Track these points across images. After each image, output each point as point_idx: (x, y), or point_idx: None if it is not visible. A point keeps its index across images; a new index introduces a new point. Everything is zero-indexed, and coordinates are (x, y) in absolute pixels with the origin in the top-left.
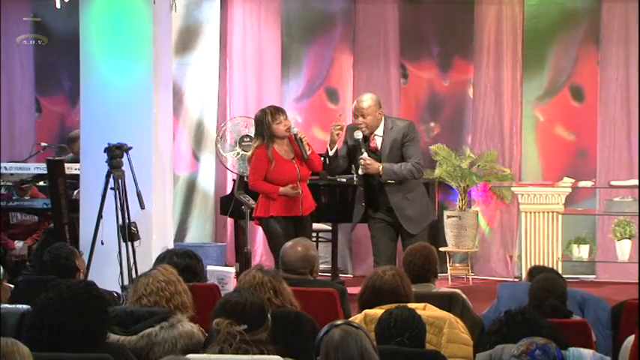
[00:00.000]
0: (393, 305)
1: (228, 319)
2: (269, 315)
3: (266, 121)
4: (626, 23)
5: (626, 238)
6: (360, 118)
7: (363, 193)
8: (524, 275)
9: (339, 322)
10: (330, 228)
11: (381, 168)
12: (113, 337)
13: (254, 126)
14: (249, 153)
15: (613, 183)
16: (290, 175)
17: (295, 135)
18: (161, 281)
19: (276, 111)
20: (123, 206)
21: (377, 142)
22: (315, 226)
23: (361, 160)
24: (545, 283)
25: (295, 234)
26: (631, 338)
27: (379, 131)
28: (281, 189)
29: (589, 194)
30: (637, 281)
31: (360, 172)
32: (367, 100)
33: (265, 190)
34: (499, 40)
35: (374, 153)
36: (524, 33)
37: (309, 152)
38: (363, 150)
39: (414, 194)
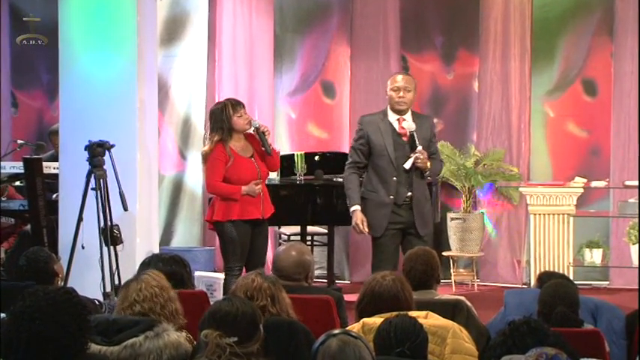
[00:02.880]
0: (393, 314)
1: (217, 331)
2: (261, 326)
3: (227, 113)
4: None
5: None
6: (403, 92)
7: (383, 188)
8: (533, 281)
9: (336, 331)
10: (325, 231)
11: (428, 164)
12: (95, 347)
13: (210, 120)
14: (203, 150)
15: (627, 183)
16: (250, 173)
17: (257, 129)
18: (154, 287)
19: (237, 103)
20: (105, 208)
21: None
22: (311, 229)
23: (418, 154)
24: (555, 290)
25: (252, 240)
26: None
27: (407, 117)
28: (244, 188)
29: (602, 195)
30: None
31: (407, 166)
32: (411, 76)
33: (226, 192)
34: (506, 30)
35: (404, 140)
36: (533, 23)
37: (271, 148)
38: (418, 143)
39: (427, 193)
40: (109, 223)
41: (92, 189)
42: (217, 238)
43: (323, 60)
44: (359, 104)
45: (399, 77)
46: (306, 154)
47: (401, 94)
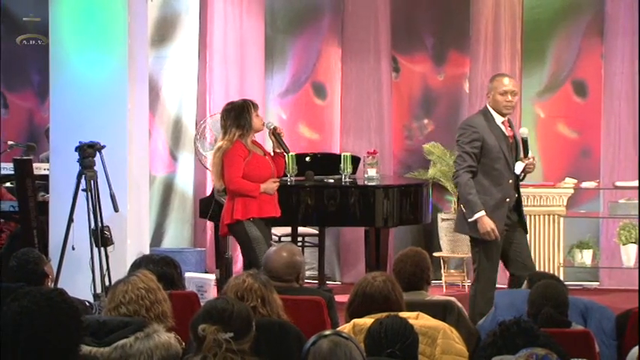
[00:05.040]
0: (384, 314)
1: (214, 326)
2: (254, 324)
3: (249, 111)
4: (631, 14)
5: (632, 242)
6: (511, 97)
7: (498, 190)
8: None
9: (327, 332)
10: (316, 232)
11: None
12: (85, 348)
13: (229, 117)
14: (221, 145)
15: (618, 184)
16: (267, 171)
17: (274, 129)
18: (141, 289)
19: (255, 104)
20: (95, 209)
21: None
22: (301, 230)
23: (532, 160)
24: (544, 291)
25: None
26: (636, 349)
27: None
28: (262, 185)
29: (592, 196)
30: None
31: (518, 170)
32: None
33: (247, 188)
34: (497, 31)
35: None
36: (523, 24)
37: (279, 150)
38: (529, 149)
39: None
40: (99, 224)
41: (83, 190)
42: (236, 242)
43: (314, 61)
44: (350, 105)
45: (507, 80)
46: (296, 155)
47: (509, 97)
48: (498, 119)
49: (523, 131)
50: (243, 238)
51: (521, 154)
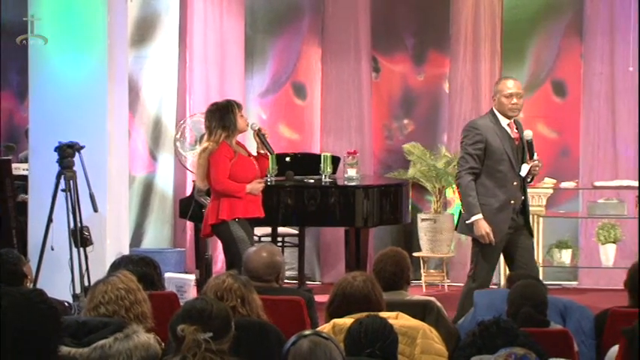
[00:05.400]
0: (364, 314)
1: (193, 326)
2: (233, 324)
3: (233, 112)
4: (610, 14)
5: (611, 242)
6: (516, 99)
7: (502, 192)
8: (503, 282)
9: (307, 332)
10: (296, 232)
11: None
12: (64, 349)
13: (214, 118)
14: (207, 147)
15: (597, 184)
16: (252, 172)
17: (259, 130)
18: (120, 289)
19: (239, 104)
20: (74, 209)
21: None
22: (281, 230)
23: (537, 162)
24: (523, 290)
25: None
26: (615, 348)
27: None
28: (248, 186)
29: (571, 196)
30: (622, 288)
31: (523, 172)
32: (518, 81)
33: (233, 189)
34: (477, 31)
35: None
36: (503, 24)
37: (263, 151)
38: (534, 151)
39: None
40: (78, 224)
41: (62, 190)
42: (221, 242)
43: (294, 61)
44: (330, 105)
45: (511, 83)
46: (277, 155)
47: (514, 100)
48: (504, 121)
49: (527, 133)
50: (227, 238)
51: (527, 157)
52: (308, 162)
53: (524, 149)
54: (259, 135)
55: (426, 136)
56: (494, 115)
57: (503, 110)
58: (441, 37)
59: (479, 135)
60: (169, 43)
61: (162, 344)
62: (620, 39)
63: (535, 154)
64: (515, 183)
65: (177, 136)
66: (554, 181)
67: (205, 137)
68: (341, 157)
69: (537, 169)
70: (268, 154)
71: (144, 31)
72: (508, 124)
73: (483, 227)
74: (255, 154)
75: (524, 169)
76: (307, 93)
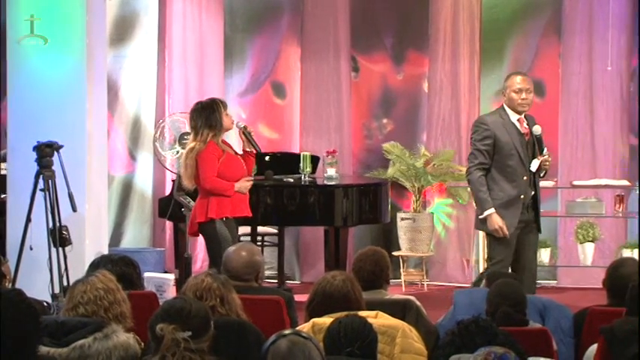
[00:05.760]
0: (343, 313)
1: (172, 325)
2: (212, 323)
3: (219, 110)
4: (589, 14)
5: (589, 241)
6: (525, 94)
7: (512, 187)
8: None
9: (287, 331)
10: (276, 231)
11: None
12: (43, 349)
13: (199, 117)
14: (194, 146)
15: (575, 183)
16: (240, 170)
17: (244, 128)
18: (99, 289)
19: (224, 102)
20: (53, 209)
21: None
22: (261, 229)
23: (547, 157)
24: (502, 290)
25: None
26: (594, 347)
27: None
28: (236, 184)
29: (550, 195)
30: (600, 286)
31: (534, 168)
32: (528, 76)
33: (222, 188)
34: (456, 31)
35: (527, 141)
36: (482, 24)
37: (249, 149)
38: (544, 147)
39: None
40: (57, 224)
41: (41, 190)
42: (205, 241)
43: (273, 60)
44: (309, 105)
45: (519, 78)
46: (256, 154)
47: (523, 95)
48: (513, 117)
49: (536, 129)
50: (212, 236)
51: (537, 152)
52: (287, 161)
53: (534, 144)
54: (245, 133)
55: (406, 135)
56: (504, 110)
57: (513, 106)
58: (420, 36)
59: (487, 131)
60: (148, 42)
61: (142, 344)
62: (599, 38)
63: (545, 149)
64: (525, 178)
65: (157, 136)
66: None
67: (191, 137)
68: (320, 157)
69: (547, 163)
70: (254, 152)
71: (123, 30)
72: (518, 120)
73: (496, 221)
74: (240, 152)
75: (535, 165)
76: (286, 92)
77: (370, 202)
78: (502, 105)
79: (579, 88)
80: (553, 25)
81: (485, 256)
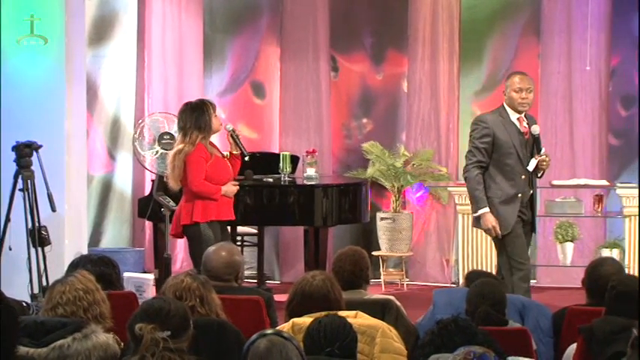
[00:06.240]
0: (323, 313)
1: (151, 325)
2: (191, 322)
3: (208, 112)
4: (567, 14)
5: (569, 240)
6: (525, 93)
7: (510, 185)
8: (461, 280)
9: (268, 331)
10: (255, 231)
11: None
12: (22, 349)
13: (188, 118)
14: (182, 148)
15: (554, 182)
16: (227, 173)
17: (232, 131)
18: (79, 289)
19: (213, 104)
20: (32, 209)
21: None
22: (240, 229)
23: (544, 157)
24: (482, 289)
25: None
26: (573, 346)
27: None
28: (223, 188)
29: None
30: (579, 286)
31: (531, 167)
32: (529, 76)
33: (209, 191)
34: (435, 31)
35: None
36: (461, 24)
37: (237, 152)
38: (542, 147)
39: None
40: (36, 224)
41: (20, 190)
42: (188, 243)
43: (253, 60)
44: (289, 104)
45: (519, 78)
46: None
47: (523, 94)
48: (513, 116)
49: (534, 128)
50: (197, 240)
51: (535, 152)
52: (267, 161)
53: (533, 144)
54: (233, 136)
55: (385, 135)
56: (504, 109)
57: (514, 105)
58: (400, 36)
59: (486, 129)
60: (128, 42)
61: (122, 344)
62: (577, 38)
63: (543, 149)
64: (523, 177)
65: (136, 136)
66: None
67: (179, 138)
68: (300, 157)
69: (545, 163)
70: (242, 155)
71: (102, 30)
72: (518, 119)
73: (489, 220)
74: (229, 154)
75: (532, 164)
76: (266, 92)
77: (350, 201)
78: (502, 104)
79: (558, 88)
80: (532, 26)
81: (459, 256)
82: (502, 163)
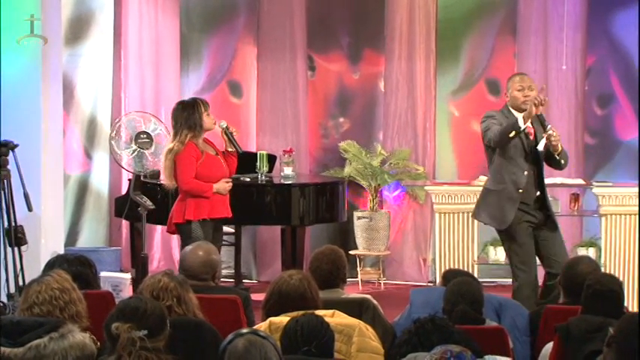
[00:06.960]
0: (300, 313)
1: (127, 324)
2: (168, 322)
3: (199, 111)
4: (543, 13)
5: None
6: (527, 91)
7: (514, 179)
8: (438, 279)
9: (244, 330)
10: (233, 231)
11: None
12: None
13: (179, 117)
14: (172, 147)
15: None
16: (220, 171)
17: (227, 128)
18: (55, 289)
19: (205, 102)
20: (8, 208)
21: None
22: None
23: (551, 132)
24: (458, 288)
25: (213, 240)
26: (550, 345)
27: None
28: (215, 186)
29: None
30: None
31: (540, 147)
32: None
33: (200, 189)
34: (412, 30)
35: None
36: (437, 23)
37: (231, 149)
38: (547, 124)
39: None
40: (13, 223)
41: None
42: (180, 240)
43: (230, 59)
44: (265, 104)
45: (519, 77)
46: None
47: (526, 92)
48: (517, 115)
49: (540, 109)
50: (187, 238)
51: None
52: (244, 160)
53: (536, 144)
54: (227, 133)
55: (362, 134)
56: (508, 110)
57: (517, 104)
58: (376, 35)
59: (496, 119)
60: (104, 41)
61: (98, 343)
62: (554, 38)
63: (549, 125)
64: (525, 173)
65: (113, 135)
66: None
67: (171, 137)
68: (277, 156)
69: (553, 138)
70: (237, 152)
71: (78, 29)
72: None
73: (526, 111)
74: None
75: (542, 144)
76: (243, 91)
77: (327, 201)
78: (505, 105)
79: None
80: (508, 25)
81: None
82: (506, 156)
